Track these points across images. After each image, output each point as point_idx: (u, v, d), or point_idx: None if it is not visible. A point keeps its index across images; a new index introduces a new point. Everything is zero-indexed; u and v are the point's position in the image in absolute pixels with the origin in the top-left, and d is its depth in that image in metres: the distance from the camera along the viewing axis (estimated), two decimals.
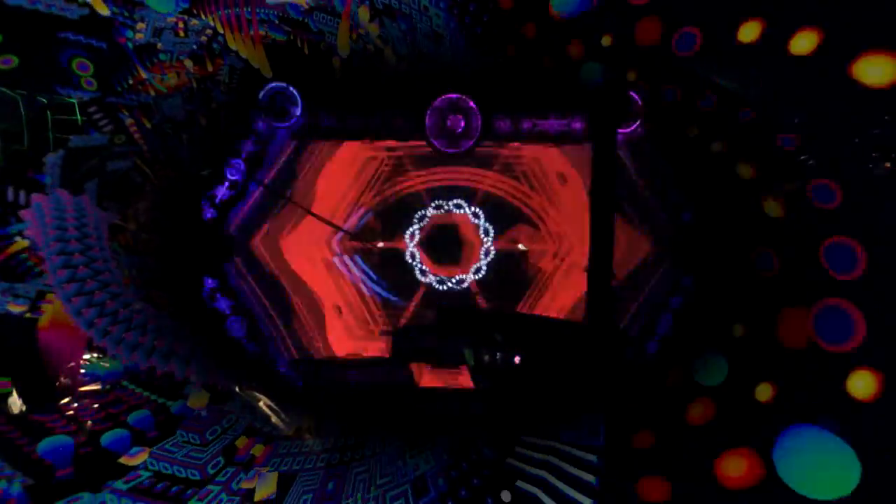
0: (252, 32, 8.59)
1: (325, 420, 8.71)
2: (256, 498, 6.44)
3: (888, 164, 3.57)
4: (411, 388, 10.54)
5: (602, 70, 8.34)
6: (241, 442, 7.40)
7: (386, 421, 8.83)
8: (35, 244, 7.52)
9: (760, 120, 6.69)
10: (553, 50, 8.89)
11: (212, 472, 6.79)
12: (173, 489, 6.41)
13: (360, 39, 9.39)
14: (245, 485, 6.64)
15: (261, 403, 8.76)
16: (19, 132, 8.13)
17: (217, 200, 10.10)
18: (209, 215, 10.03)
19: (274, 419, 8.53)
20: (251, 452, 7.26)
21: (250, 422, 7.90)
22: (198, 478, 6.66)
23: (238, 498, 6.46)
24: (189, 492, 6.44)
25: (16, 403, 6.94)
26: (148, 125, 9.50)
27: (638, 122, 9.86)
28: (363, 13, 8.86)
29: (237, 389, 8.77)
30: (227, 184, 10.16)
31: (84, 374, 7.90)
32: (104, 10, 8.04)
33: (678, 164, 9.79)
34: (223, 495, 6.48)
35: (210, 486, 6.57)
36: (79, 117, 8.57)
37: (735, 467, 5.42)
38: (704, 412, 6.47)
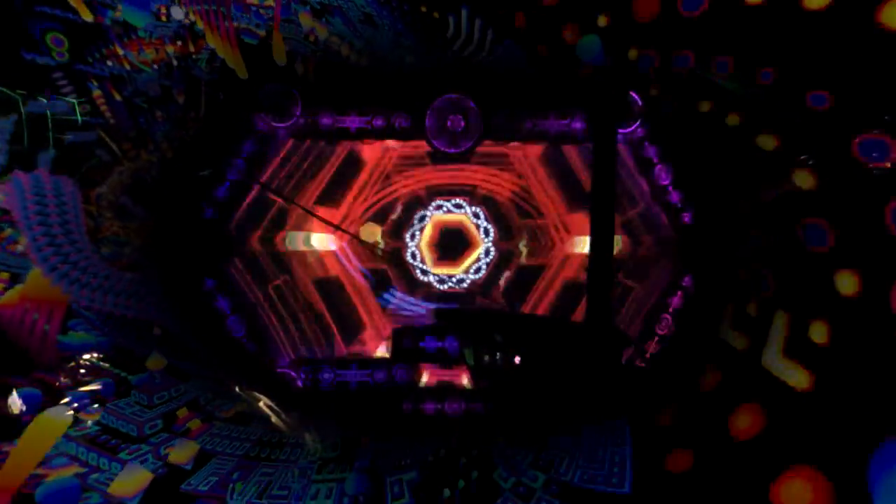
0: (227, 28, 8.27)
1: (324, 420, 8.71)
2: (169, 459, 6.88)
3: (888, 164, 3.56)
4: (412, 388, 10.54)
5: (600, 44, 8.03)
6: (182, 413, 7.89)
7: (384, 421, 8.83)
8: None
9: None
10: (547, 37, 8.66)
11: (148, 432, 7.35)
12: (112, 441, 7.04)
13: (317, 41, 9.28)
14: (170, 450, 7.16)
15: (261, 403, 8.76)
16: (19, 132, 8.14)
17: (217, 200, 10.11)
18: (209, 215, 10.03)
19: (274, 419, 8.53)
20: (188, 425, 7.72)
21: (197, 397, 8.28)
22: (134, 434, 7.24)
23: (161, 462, 6.90)
24: (123, 445, 7.04)
25: (16, 403, 6.95)
26: (118, 97, 8.92)
27: (638, 122, 9.86)
28: (304, 19, 8.81)
29: (237, 389, 8.78)
30: (227, 184, 10.16)
31: (60, 346, 8.10)
32: (89, 17, 7.97)
33: (678, 164, 9.79)
34: (150, 456, 6.97)
35: (142, 445, 7.14)
36: (79, 117, 8.58)
37: (796, 494, 4.27)
38: (752, 423, 5.05)
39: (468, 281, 16.03)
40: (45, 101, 8.42)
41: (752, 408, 5.10)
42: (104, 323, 8.26)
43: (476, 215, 15.92)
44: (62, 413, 6.54)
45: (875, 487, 3.74)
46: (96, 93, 8.76)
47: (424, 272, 16.00)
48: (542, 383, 8.29)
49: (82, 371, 8.16)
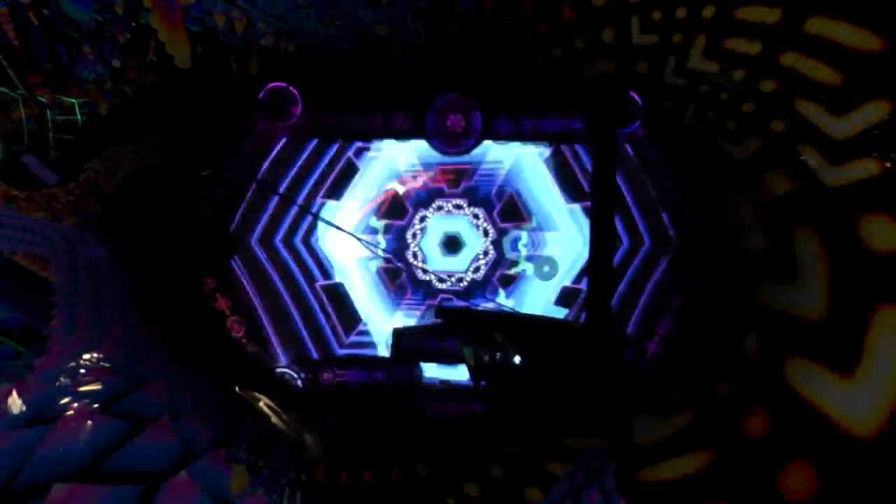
0: (173, 11, 6.99)
1: (325, 420, 8.71)
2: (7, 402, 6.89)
3: (888, 164, 3.55)
4: (411, 388, 10.54)
5: None
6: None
7: (385, 421, 8.80)
8: None
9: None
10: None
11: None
12: None
13: (248, 30, 8.48)
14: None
15: (261, 403, 8.75)
16: (19, 132, 8.11)
17: (216, 201, 10.11)
18: (208, 215, 10.03)
19: (274, 419, 8.52)
20: None
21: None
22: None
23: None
24: None
25: (16, 403, 6.94)
26: (35, 21, 6.84)
27: (638, 122, 9.86)
28: (218, 19, 8.17)
29: (237, 390, 8.76)
30: (227, 184, 10.17)
31: None
32: None
33: (678, 164, 9.78)
34: None
35: None
36: (79, 117, 8.54)
37: None
38: None
39: (467, 280, 16.06)
40: None
41: None
42: (6, 299, 8.05)
43: (476, 216, 15.95)
44: None
45: None
46: (2, 10, 6.82)
47: (425, 271, 16.03)
48: (543, 383, 8.28)
49: (82, 371, 8.14)
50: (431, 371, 11.08)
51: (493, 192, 15.61)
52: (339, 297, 13.89)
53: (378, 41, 8.68)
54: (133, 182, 8.47)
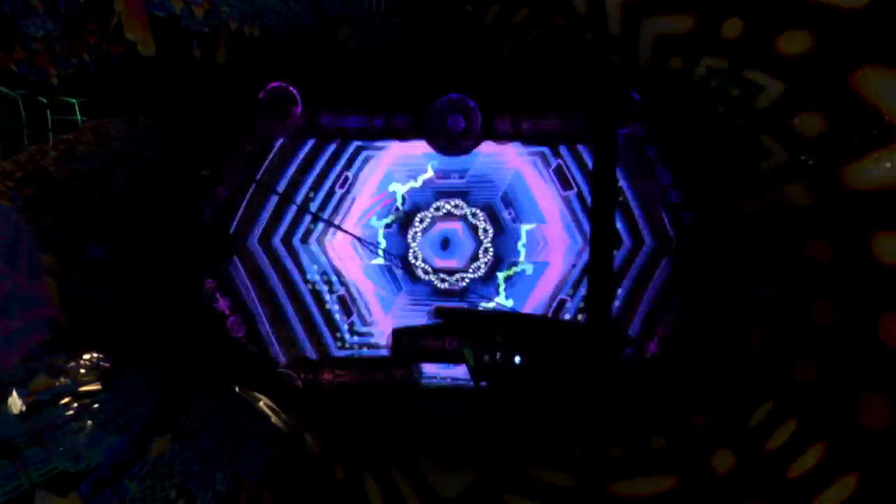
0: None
1: (323, 419, 8.70)
2: None
3: (888, 164, 3.56)
4: (411, 388, 10.54)
5: None
6: None
7: (385, 420, 8.80)
8: None
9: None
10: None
11: None
12: None
13: (211, 15, 8.25)
14: None
15: (261, 403, 8.75)
16: (19, 132, 8.11)
17: (216, 201, 10.10)
18: (208, 215, 10.02)
19: (274, 419, 8.51)
20: None
21: None
22: None
23: None
24: None
25: (16, 403, 6.92)
26: None
27: (638, 123, 9.85)
28: (176, 4, 7.78)
29: (237, 389, 8.76)
30: (226, 184, 10.15)
31: None
32: None
33: (678, 164, 9.78)
34: None
35: None
36: (79, 117, 8.54)
37: None
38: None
39: (467, 280, 16.06)
40: None
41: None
42: None
43: (475, 215, 15.94)
44: None
45: None
46: None
47: (425, 271, 16.04)
48: (543, 383, 8.28)
49: (82, 371, 8.12)
50: (431, 370, 11.10)
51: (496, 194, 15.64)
52: (342, 299, 13.90)
53: (337, 10, 7.89)
54: (95, 170, 7.05)
